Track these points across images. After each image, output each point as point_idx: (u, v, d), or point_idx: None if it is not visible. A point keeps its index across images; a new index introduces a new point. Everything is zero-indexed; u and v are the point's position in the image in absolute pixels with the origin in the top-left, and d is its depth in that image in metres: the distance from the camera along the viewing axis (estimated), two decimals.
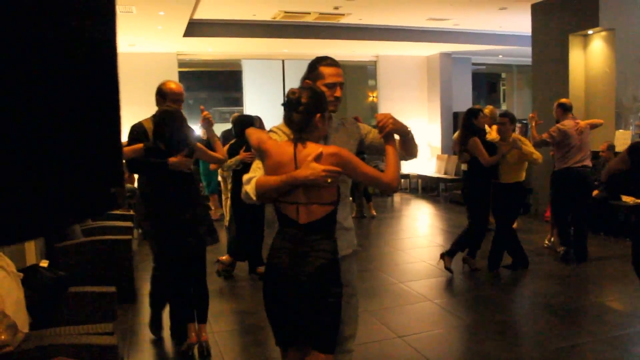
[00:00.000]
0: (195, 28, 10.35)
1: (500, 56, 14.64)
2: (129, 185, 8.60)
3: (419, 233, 9.13)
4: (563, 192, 6.59)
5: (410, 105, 13.91)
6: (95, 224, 6.05)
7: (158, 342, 4.35)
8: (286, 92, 2.48)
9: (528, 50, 9.96)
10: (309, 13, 10.09)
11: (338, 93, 2.66)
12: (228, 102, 14.03)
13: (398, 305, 5.16)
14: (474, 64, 15.08)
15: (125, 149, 3.94)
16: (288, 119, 2.47)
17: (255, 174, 2.55)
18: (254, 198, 2.49)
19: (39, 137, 0.78)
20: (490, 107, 7.93)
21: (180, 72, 12.72)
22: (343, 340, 2.69)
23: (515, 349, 4.20)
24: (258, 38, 11.01)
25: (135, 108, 11.64)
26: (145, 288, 5.78)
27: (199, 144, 4.00)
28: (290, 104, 2.42)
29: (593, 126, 6.83)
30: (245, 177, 2.58)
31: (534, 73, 9.76)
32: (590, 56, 8.96)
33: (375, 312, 4.90)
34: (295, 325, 2.44)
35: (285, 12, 9.99)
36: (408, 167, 12.78)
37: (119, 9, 7.94)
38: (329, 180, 2.33)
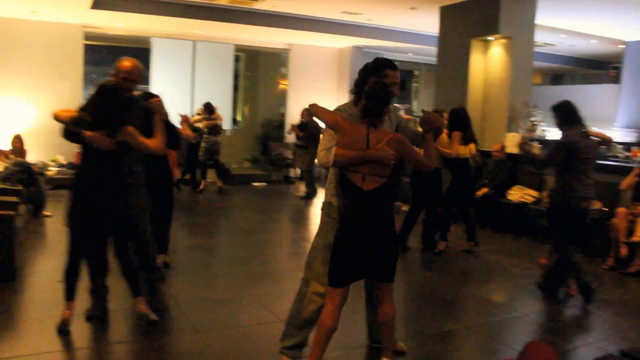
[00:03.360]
0: (104, 1, 9.99)
1: (411, 54, 15.06)
2: (19, 159, 8.21)
3: (317, 221, 9.28)
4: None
5: (320, 96, 14.02)
6: None
7: (34, 322, 4.22)
8: (368, 86, 3.21)
9: (436, 50, 10.30)
10: None
11: (396, 90, 3.40)
12: None
13: (285, 291, 5.23)
14: None
15: (61, 111, 4.06)
16: (367, 107, 3.17)
17: (332, 143, 3.20)
18: (331, 163, 3.19)
19: None
20: None
21: (86, 45, 12.23)
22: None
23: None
24: (169, 17, 10.75)
25: (35, 80, 11.23)
26: (28, 267, 5.59)
27: (131, 128, 3.85)
28: (372, 96, 3.15)
29: None
30: (325, 145, 3.23)
31: (437, 73, 10.14)
32: (489, 61, 9.41)
33: (259, 297, 4.98)
34: (359, 265, 3.17)
35: None
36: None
37: None
38: (394, 161, 3.12)
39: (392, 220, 3.25)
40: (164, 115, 4.23)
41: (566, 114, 5.19)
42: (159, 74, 12.80)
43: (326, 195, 3.56)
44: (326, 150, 3.21)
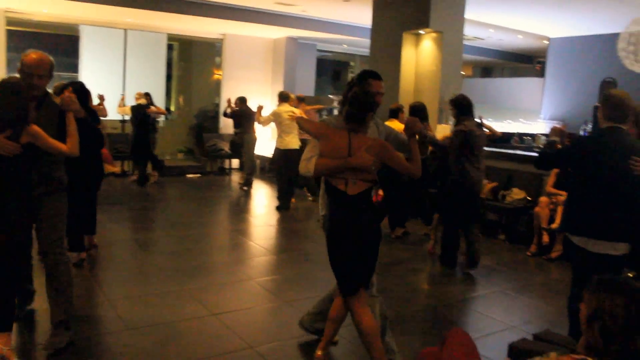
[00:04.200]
0: None
1: (345, 45, 15.18)
2: None
3: (253, 213, 9.29)
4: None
5: (254, 86, 14.02)
6: None
7: None
8: (351, 93, 3.26)
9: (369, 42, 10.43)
10: None
11: (379, 99, 3.48)
12: (63, 67, 13.15)
13: (219, 285, 5.25)
14: (319, 51, 15.52)
15: None
16: (350, 113, 3.21)
17: (313, 153, 3.30)
18: (312, 173, 3.27)
19: None
20: None
21: (9, 31, 11.72)
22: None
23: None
24: (98, 4, 10.41)
25: None
26: None
27: (35, 127, 3.38)
28: (355, 101, 3.19)
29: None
30: (306, 156, 3.34)
31: (370, 65, 10.24)
32: (420, 54, 9.60)
33: (193, 291, 4.94)
34: (357, 271, 3.22)
35: None
36: None
37: None
38: (374, 168, 3.15)
39: (378, 226, 3.29)
40: (78, 112, 3.66)
41: (463, 106, 5.97)
42: (88, 63, 12.41)
43: (322, 208, 3.61)
44: (306, 160, 3.31)
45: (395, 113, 7.31)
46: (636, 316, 1.85)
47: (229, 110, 11.47)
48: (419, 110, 6.99)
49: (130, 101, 11.14)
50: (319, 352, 3.59)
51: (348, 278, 3.26)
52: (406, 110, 7.48)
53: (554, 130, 4.13)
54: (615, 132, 3.52)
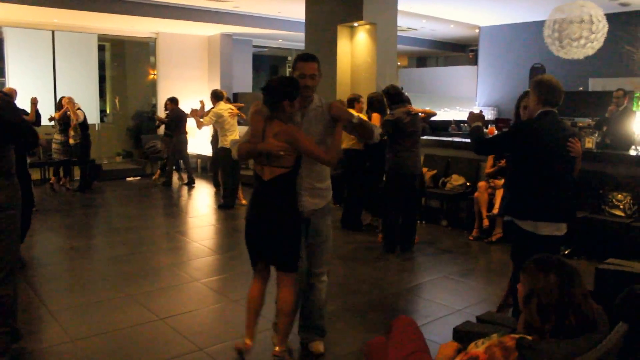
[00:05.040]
0: None
1: (280, 40, 15.13)
2: None
3: (195, 213, 9.16)
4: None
5: (191, 85, 13.82)
6: None
7: None
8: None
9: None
10: None
11: (308, 82, 3.39)
12: None
13: (164, 288, 5.15)
14: (255, 47, 15.42)
15: None
16: (264, 101, 3.27)
17: (242, 139, 3.42)
18: (236, 157, 3.46)
19: None
20: None
21: None
22: (312, 275, 3.65)
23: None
24: (22, 5, 10.02)
25: None
26: None
27: None
28: (265, 89, 3.25)
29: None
30: (236, 140, 3.53)
31: None
32: (355, 46, 9.67)
33: (138, 297, 4.84)
34: (261, 250, 3.42)
35: None
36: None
37: None
38: (282, 153, 3.18)
39: (291, 211, 3.34)
40: None
41: (393, 96, 6.31)
42: (14, 67, 11.93)
43: None
44: (233, 145, 3.49)
45: (351, 103, 7.42)
46: (569, 293, 1.92)
47: (162, 120, 11.29)
48: (376, 101, 7.12)
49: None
50: (276, 349, 3.52)
51: (250, 252, 3.49)
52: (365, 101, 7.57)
53: (473, 116, 4.10)
54: (551, 116, 3.62)
